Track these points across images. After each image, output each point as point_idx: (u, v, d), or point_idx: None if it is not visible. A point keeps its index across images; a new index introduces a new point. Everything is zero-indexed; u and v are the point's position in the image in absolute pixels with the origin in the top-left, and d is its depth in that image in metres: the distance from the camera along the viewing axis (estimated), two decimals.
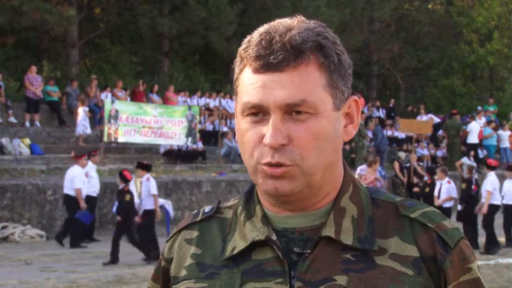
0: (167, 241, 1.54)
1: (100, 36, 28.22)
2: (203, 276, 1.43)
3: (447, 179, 15.73)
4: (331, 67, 1.37)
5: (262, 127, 1.35)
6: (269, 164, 1.34)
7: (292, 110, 1.34)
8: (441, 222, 1.41)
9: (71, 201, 14.69)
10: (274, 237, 1.39)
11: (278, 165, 1.34)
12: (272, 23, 1.39)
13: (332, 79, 1.37)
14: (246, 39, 1.39)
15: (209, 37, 25.50)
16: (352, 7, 29.15)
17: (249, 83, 1.36)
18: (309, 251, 1.37)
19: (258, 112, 1.36)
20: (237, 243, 1.43)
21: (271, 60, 1.34)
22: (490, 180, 15.13)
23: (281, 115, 1.34)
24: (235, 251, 1.42)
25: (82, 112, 20.01)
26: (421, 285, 1.37)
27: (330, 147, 1.38)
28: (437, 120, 28.99)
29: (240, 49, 1.39)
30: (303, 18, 1.41)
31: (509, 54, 34.11)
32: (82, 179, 14.80)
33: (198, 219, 1.52)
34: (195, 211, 1.56)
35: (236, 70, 1.41)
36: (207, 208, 1.53)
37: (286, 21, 1.39)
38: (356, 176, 14.27)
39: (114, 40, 29.05)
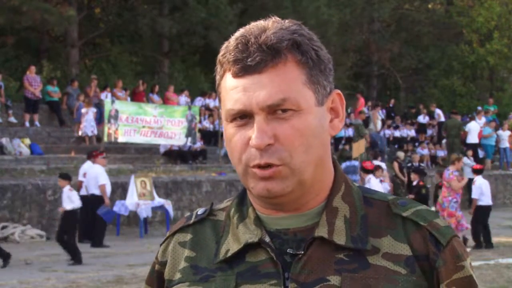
0: (161, 244, 1.54)
1: (100, 36, 28.23)
2: (197, 279, 1.43)
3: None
4: (310, 64, 1.38)
5: (248, 130, 1.36)
6: (258, 166, 1.35)
7: (275, 110, 1.35)
8: (433, 221, 1.42)
9: (97, 200, 14.55)
10: (267, 239, 1.40)
11: (267, 165, 1.34)
12: (247, 27, 1.40)
13: (312, 75, 1.38)
14: (224, 45, 1.40)
15: (209, 37, 25.49)
16: (352, 7, 29.16)
17: (230, 88, 1.37)
18: (302, 252, 1.38)
19: (243, 116, 1.37)
20: (230, 246, 1.43)
21: (248, 63, 1.35)
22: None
23: (265, 115, 1.35)
24: (229, 254, 1.42)
25: (91, 113, 20.19)
26: (414, 283, 1.37)
27: (318, 142, 1.38)
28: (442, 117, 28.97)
29: (219, 56, 1.40)
30: (278, 18, 1.42)
31: (509, 54, 34.11)
32: (105, 176, 14.77)
33: (191, 221, 1.52)
34: (188, 213, 1.56)
35: (217, 77, 1.42)
36: (200, 211, 1.54)
37: (260, 23, 1.40)
38: (450, 179, 13.72)
39: (114, 40, 29.07)
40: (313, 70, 1.38)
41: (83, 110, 20.50)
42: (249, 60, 1.34)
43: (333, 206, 1.42)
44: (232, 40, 1.39)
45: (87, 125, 20.31)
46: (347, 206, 1.42)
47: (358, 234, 1.39)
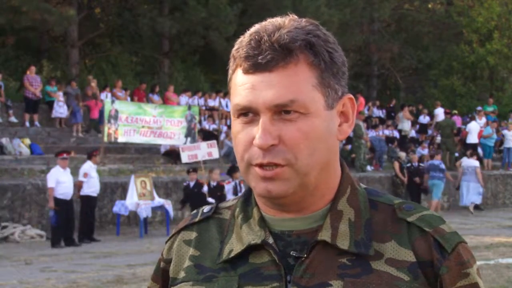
0: (166, 242, 1.53)
1: (100, 36, 28.21)
2: (201, 279, 1.42)
3: None
4: (322, 66, 1.35)
5: (253, 128, 1.34)
6: (261, 165, 1.33)
7: (282, 110, 1.33)
8: (439, 227, 1.39)
9: (57, 204, 14.31)
10: (270, 241, 1.38)
11: (270, 165, 1.32)
12: (263, 23, 1.38)
13: (323, 77, 1.35)
14: (239, 40, 1.38)
15: (209, 37, 25.47)
16: (352, 7, 29.12)
17: (240, 84, 1.36)
18: (306, 255, 1.36)
19: (248, 113, 1.35)
20: (234, 246, 1.42)
21: (259, 61, 1.33)
22: None
23: (271, 115, 1.33)
24: (232, 254, 1.41)
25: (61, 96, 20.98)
26: None
27: (324, 146, 1.36)
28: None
29: (233, 50, 1.38)
30: (295, 16, 1.39)
31: (509, 54, 34.08)
32: (54, 179, 14.14)
33: (197, 219, 1.51)
34: (195, 211, 1.55)
35: (230, 71, 1.40)
36: (206, 209, 1.52)
37: (276, 20, 1.38)
38: None
39: (114, 40, 29.04)
40: (325, 72, 1.36)
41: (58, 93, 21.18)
42: (260, 57, 1.32)
43: (337, 209, 1.40)
44: (247, 35, 1.37)
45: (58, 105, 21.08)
46: (352, 209, 1.40)
47: (362, 238, 1.37)
